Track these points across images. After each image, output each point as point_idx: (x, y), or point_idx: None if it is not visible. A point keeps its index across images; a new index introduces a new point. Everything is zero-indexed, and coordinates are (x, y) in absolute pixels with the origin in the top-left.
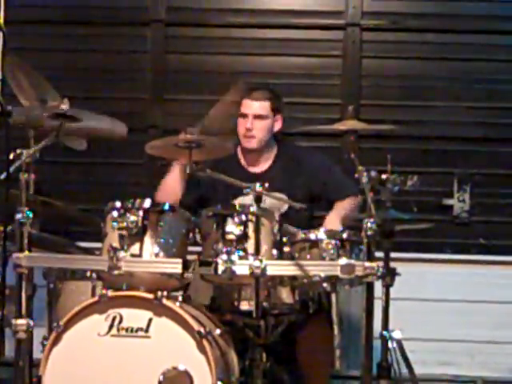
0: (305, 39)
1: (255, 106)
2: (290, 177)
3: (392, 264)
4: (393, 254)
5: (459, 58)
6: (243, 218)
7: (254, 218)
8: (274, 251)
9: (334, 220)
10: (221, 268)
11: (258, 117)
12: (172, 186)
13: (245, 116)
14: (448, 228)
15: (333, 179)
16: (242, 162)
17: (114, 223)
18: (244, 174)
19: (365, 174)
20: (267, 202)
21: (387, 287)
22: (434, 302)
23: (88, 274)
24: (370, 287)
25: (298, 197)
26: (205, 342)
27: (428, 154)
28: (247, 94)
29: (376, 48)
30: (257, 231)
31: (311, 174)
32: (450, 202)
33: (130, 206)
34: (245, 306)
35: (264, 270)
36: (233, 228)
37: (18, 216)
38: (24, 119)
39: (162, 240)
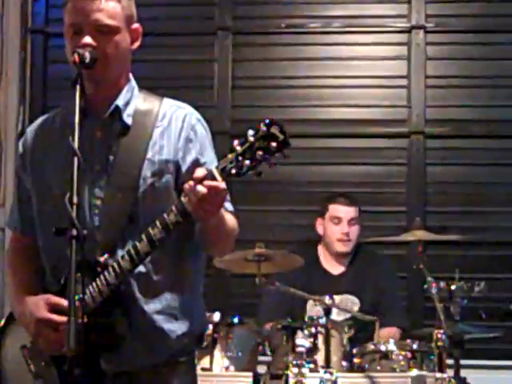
0: (369, 148)
1: (349, 210)
2: (362, 279)
3: (462, 371)
4: (462, 361)
5: None
6: (313, 330)
7: (323, 330)
8: (344, 363)
9: None
10: (291, 381)
11: (352, 221)
12: None
13: (339, 221)
14: None
15: (390, 301)
16: (323, 263)
17: None
18: (325, 275)
19: (434, 284)
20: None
21: None
22: None
23: None
24: None
25: (368, 299)
26: None
27: (494, 260)
28: (333, 200)
29: (440, 155)
30: (327, 343)
31: (379, 281)
32: None
33: None
34: None
35: (335, 382)
36: (303, 341)
37: None
38: None
39: (231, 353)
